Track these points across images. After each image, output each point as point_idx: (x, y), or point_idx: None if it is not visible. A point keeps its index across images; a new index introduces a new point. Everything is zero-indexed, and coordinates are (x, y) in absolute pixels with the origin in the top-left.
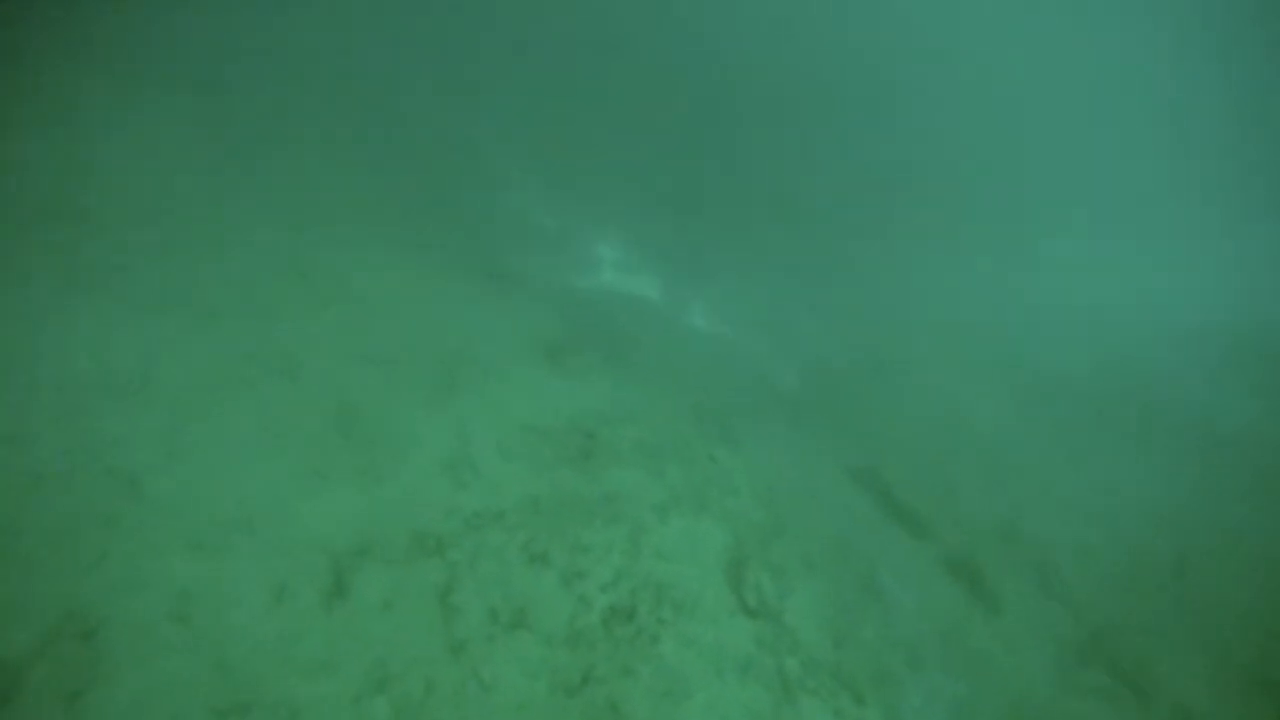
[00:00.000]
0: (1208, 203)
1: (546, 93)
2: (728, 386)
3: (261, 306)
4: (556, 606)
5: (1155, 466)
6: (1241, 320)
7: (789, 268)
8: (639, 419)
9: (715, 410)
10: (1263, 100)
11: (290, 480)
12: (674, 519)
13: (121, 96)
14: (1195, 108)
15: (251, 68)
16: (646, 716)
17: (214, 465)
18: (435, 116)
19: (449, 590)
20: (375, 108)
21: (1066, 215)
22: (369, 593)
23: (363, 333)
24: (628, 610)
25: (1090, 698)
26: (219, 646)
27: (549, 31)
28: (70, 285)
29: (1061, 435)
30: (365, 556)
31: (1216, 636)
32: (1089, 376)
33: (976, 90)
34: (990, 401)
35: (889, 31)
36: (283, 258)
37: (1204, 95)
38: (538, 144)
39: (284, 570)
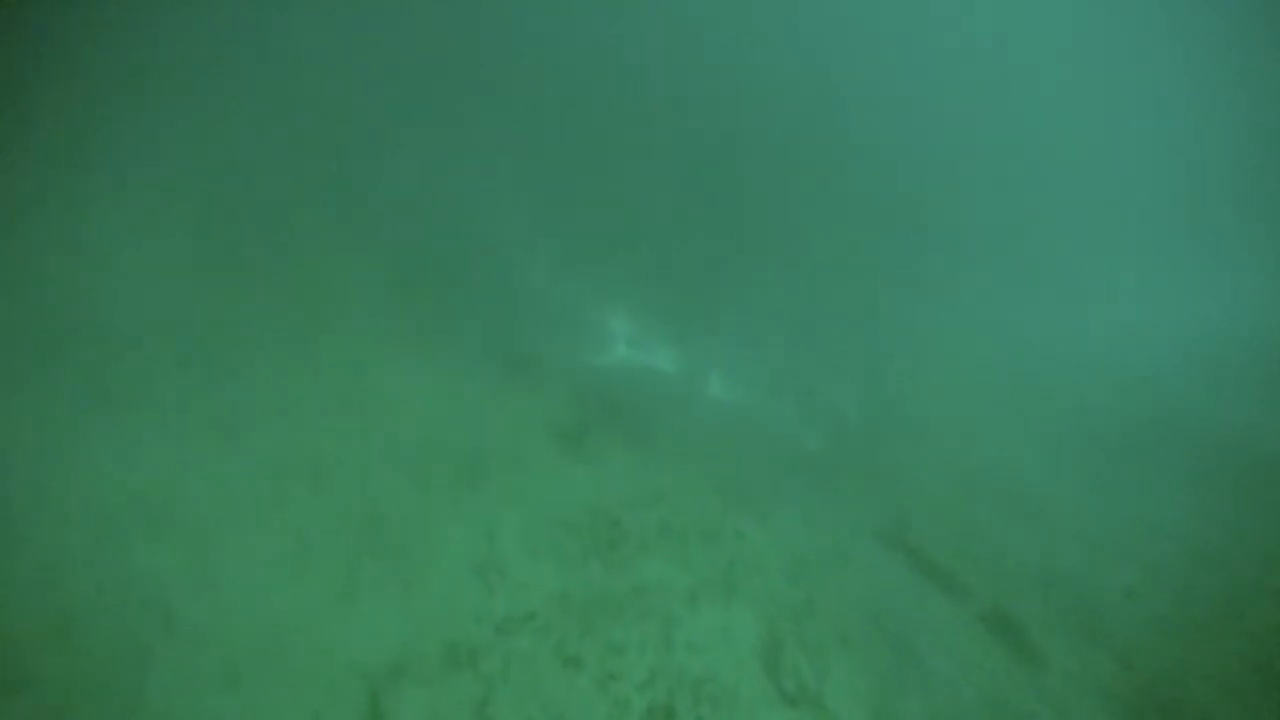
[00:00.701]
0: (1224, 217)
1: (549, 159)
2: (749, 456)
3: (282, 415)
4: (593, 712)
5: (1190, 496)
6: (1268, 333)
7: (802, 325)
8: (662, 500)
9: (738, 483)
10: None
11: (322, 600)
12: (704, 608)
13: (129, 199)
14: (1212, 129)
15: (254, 157)
16: None
17: (245, 590)
18: (440, 191)
19: (485, 704)
20: (381, 188)
21: (1080, 242)
22: (406, 716)
23: (383, 434)
24: (665, 709)
25: None
26: None
27: (547, 97)
28: (94, 408)
29: (1089, 471)
30: (400, 676)
31: (1276, 673)
32: (1111, 406)
33: (983, 124)
34: (1013, 443)
35: (893, 83)
36: (300, 360)
37: (1220, 116)
38: (544, 214)
39: (319, 699)
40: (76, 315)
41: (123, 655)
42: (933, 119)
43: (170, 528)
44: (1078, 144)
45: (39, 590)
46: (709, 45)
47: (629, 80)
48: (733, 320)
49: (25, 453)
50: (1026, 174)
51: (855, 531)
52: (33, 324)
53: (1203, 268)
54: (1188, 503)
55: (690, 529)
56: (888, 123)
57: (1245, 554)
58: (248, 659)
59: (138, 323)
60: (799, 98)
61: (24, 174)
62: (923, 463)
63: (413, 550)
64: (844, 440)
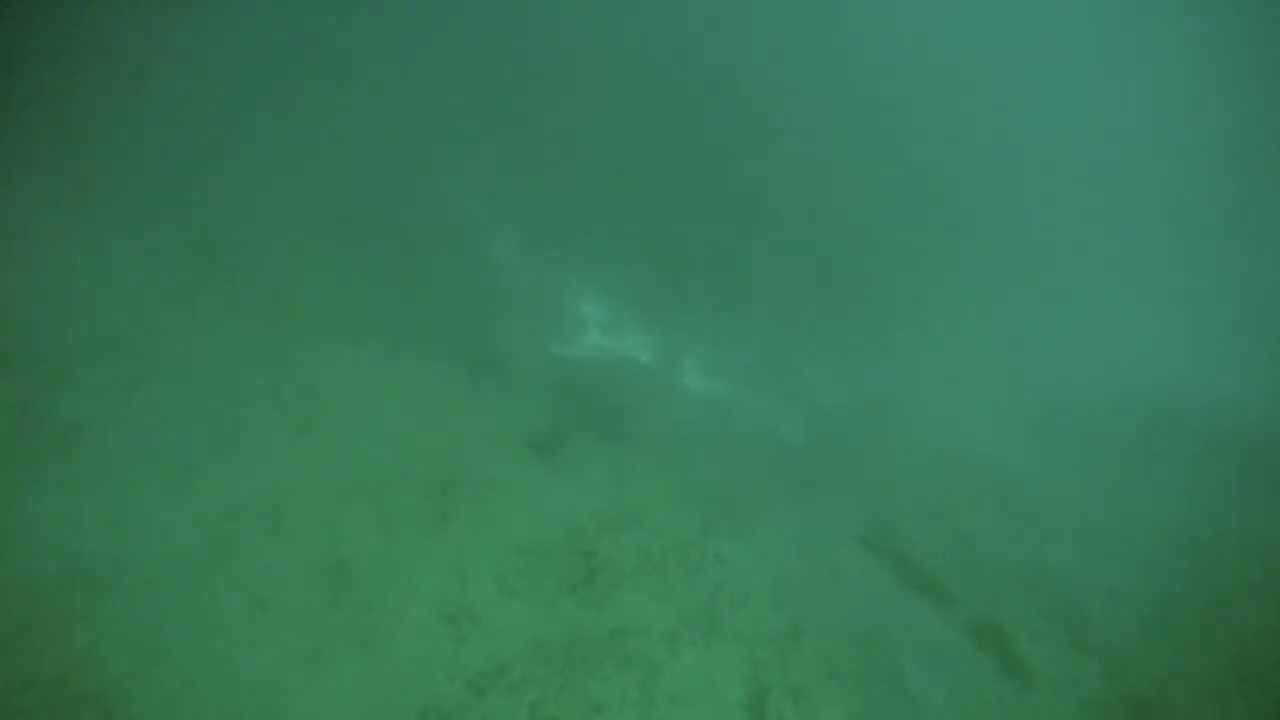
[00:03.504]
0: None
1: (515, 137)
2: (728, 456)
3: (236, 447)
4: None
5: (1176, 485)
6: (1260, 313)
7: (780, 309)
8: (639, 520)
9: (718, 492)
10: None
11: (285, 667)
12: (686, 651)
13: (65, 210)
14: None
15: (208, 147)
16: None
17: (199, 665)
18: (403, 173)
19: None
20: (342, 171)
21: (1078, 238)
22: None
23: (345, 459)
24: None
25: None
26: None
27: (513, 73)
28: (29, 454)
29: (1076, 462)
30: None
31: (1259, 676)
32: (1098, 389)
33: (985, 103)
34: (999, 434)
35: (893, 51)
36: (254, 376)
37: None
38: (509, 192)
39: None
40: (6, 338)
41: None
42: (946, 84)
43: (113, 597)
44: (1096, 141)
45: None
46: (693, 9)
47: (594, 40)
48: (709, 301)
49: None
50: (1041, 164)
51: (840, 539)
52: None
53: (1200, 252)
54: (1175, 492)
55: (668, 556)
56: (895, 88)
57: (1227, 543)
58: None
59: (75, 341)
60: (791, 58)
61: None
62: (909, 456)
63: (382, 600)
64: (827, 433)
